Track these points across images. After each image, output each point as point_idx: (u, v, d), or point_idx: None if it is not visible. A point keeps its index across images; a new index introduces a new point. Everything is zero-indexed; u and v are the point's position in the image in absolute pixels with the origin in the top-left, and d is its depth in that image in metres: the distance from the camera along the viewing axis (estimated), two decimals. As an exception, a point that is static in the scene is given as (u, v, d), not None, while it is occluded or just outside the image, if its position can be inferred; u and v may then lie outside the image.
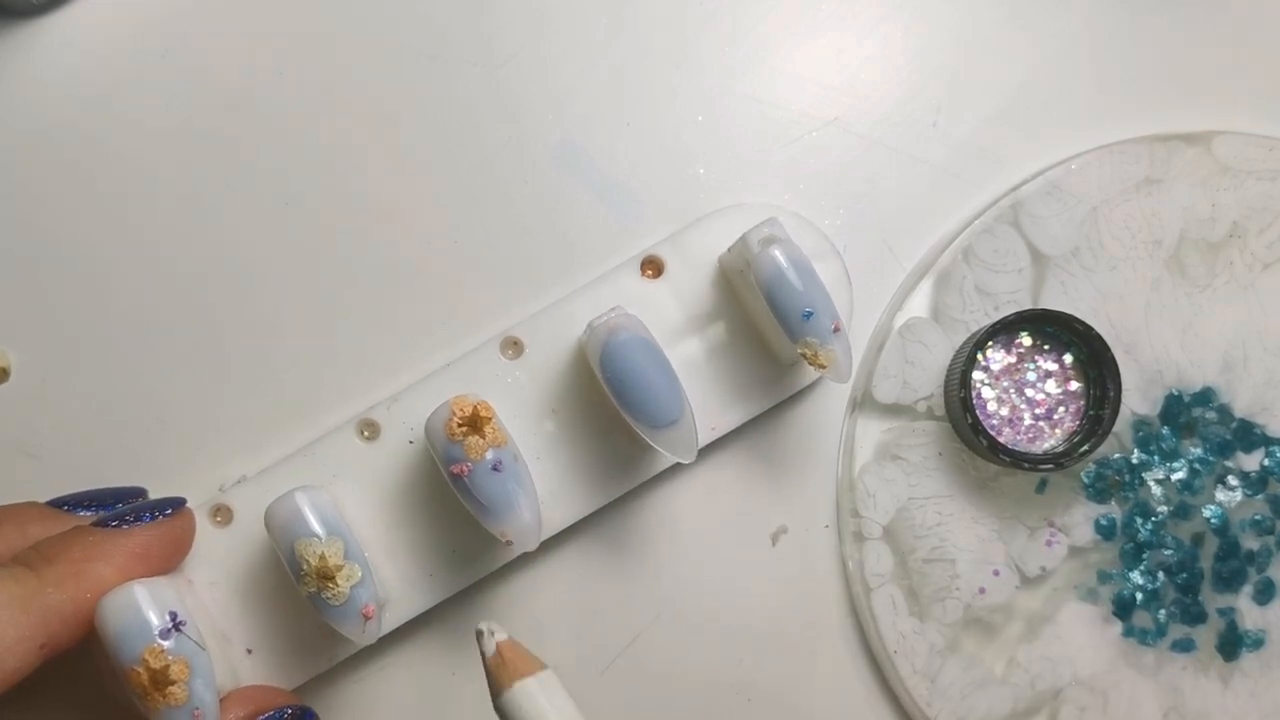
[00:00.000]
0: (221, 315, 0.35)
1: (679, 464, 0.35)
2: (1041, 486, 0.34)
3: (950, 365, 0.34)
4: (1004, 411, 0.34)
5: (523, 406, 0.33)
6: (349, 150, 0.36)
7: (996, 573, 0.34)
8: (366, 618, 0.29)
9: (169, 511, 0.30)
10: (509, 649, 0.25)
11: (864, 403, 0.35)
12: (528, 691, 0.24)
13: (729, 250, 0.33)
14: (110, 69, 0.36)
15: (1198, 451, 0.35)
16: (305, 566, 0.28)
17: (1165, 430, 0.35)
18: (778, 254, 0.30)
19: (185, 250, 0.35)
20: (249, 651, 0.32)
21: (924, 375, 0.35)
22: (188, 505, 0.31)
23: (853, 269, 0.36)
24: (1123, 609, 0.34)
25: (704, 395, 0.33)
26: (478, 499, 0.29)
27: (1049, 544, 0.34)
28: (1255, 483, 0.35)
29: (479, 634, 0.25)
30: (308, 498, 0.29)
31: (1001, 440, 0.33)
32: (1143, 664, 0.34)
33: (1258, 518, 0.34)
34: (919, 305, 0.35)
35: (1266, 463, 0.35)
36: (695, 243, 0.34)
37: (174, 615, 0.27)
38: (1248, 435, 0.35)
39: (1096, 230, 0.35)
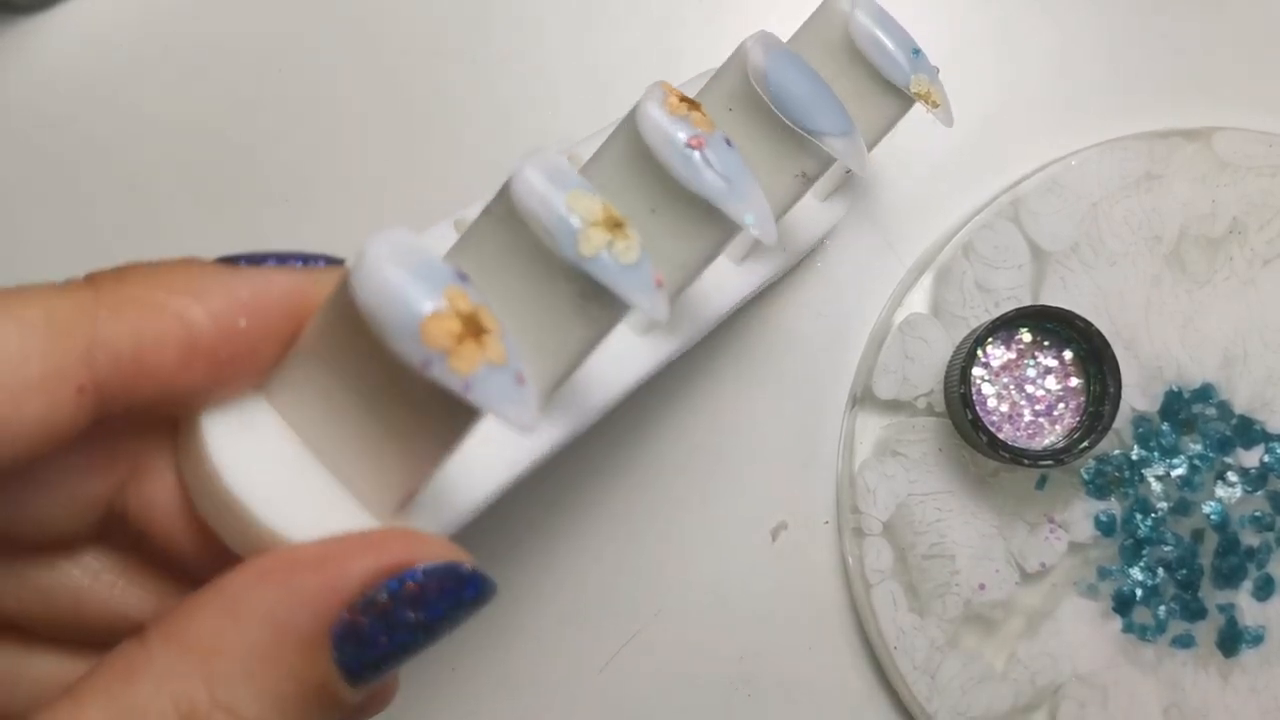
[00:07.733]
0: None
1: (679, 463, 0.35)
2: (1041, 483, 0.34)
3: (950, 361, 0.34)
4: (1004, 408, 0.34)
5: None
6: (348, 143, 0.36)
7: (996, 569, 0.34)
8: (659, 284, 0.23)
9: (321, 264, 0.21)
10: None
11: (864, 398, 0.35)
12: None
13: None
14: (110, 65, 0.36)
15: (1197, 448, 0.35)
16: (592, 217, 0.22)
17: (1165, 426, 0.35)
18: (870, 5, 0.30)
19: (184, 249, 0.35)
20: None
21: (924, 371, 0.35)
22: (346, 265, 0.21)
23: (852, 265, 0.36)
24: (1123, 605, 0.34)
25: None
26: (720, 173, 0.25)
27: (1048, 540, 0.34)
28: (1255, 479, 0.35)
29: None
30: (553, 159, 0.23)
31: (1001, 436, 0.33)
32: (1143, 660, 0.34)
33: (1257, 514, 0.34)
34: (919, 301, 0.35)
35: (1266, 459, 0.35)
36: None
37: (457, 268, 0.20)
38: (1247, 431, 0.35)
39: (1096, 226, 0.35)
